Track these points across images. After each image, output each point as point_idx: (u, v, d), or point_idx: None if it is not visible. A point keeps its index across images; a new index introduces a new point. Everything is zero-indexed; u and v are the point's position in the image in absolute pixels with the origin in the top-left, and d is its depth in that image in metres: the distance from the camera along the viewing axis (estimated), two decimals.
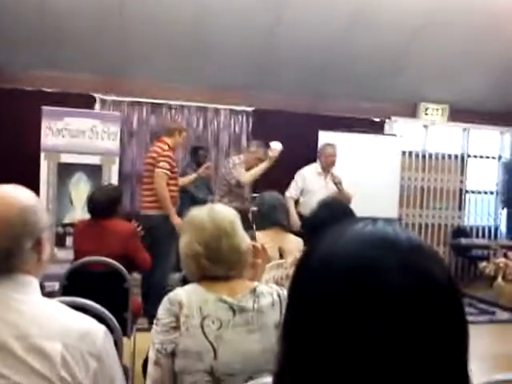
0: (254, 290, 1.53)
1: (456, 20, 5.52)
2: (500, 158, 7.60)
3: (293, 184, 5.22)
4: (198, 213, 1.61)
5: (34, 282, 1.13)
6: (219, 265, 1.52)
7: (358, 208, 6.67)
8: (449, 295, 0.56)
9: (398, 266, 0.53)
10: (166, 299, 1.47)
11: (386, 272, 0.53)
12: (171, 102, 6.13)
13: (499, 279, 5.29)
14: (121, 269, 2.60)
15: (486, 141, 7.60)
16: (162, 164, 4.21)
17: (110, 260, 2.60)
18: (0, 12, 5.01)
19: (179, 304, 1.43)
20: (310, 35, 5.62)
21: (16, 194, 1.15)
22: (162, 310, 1.45)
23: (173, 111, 6.15)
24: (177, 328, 1.41)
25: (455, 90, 6.80)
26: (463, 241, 6.64)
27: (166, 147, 4.33)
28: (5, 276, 1.09)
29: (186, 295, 1.46)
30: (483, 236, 7.23)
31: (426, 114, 7.09)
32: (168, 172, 4.23)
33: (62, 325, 1.08)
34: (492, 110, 7.18)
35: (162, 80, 6.07)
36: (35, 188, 5.07)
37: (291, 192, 5.15)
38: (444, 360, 0.54)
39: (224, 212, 1.62)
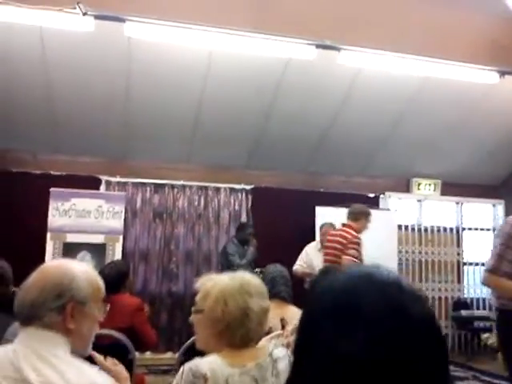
0: (271, 355, 1.61)
1: (440, 98, 5.91)
2: (494, 229, 7.75)
3: (299, 257, 5.55)
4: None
5: (61, 342, 1.26)
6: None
7: None
8: (421, 326, 0.66)
9: (374, 294, 0.66)
10: (187, 371, 1.46)
11: (363, 298, 0.66)
12: (173, 182, 6.39)
13: None
14: (126, 341, 2.66)
15: (480, 213, 7.80)
16: (351, 252, 4.13)
17: (115, 332, 2.67)
18: (8, 100, 5.36)
19: (204, 378, 1.44)
20: (302, 115, 5.98)
21: (71, 263, 1.37)
22: (185, 383, 1.45)
23: (175, 190, 6.40)
24: None
25: (445, 165, 7.12)
26: (464, 313, 6.62)
27: (355, 233, 4.25)
28: (34, 329, 1.25)
29: (209, 368, 1.47)
30: (484, 308, 7.20)
31: (419, 189, 7.35)
32: (356, 260, 4.15)
33: (88, 378, 1.20)
34: (482, 183, 7.45)
35: (165, 161, 6.39)
36: None
37: (297, 263, 5.46)
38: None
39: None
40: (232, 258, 5.55)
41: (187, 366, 1.48)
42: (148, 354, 5.43)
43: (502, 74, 5.20)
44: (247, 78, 5.40)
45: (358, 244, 4.22)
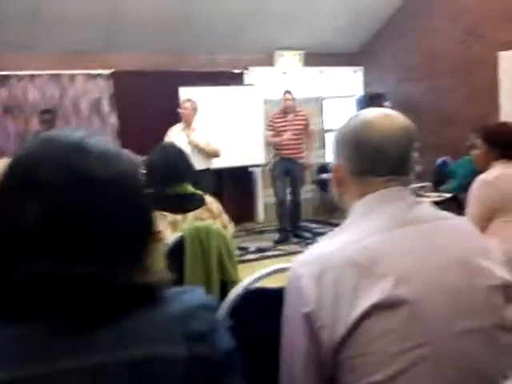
0: None
1: None
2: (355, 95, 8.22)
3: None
4: None
5: None
6: None
7: (229, 158, 7.02)
8: (105, 188, 0.66)
9: (51, 161, 0.66)
10: None
11: (40, 166, 0.65)
12: (20, 73, 5.83)
13: None
14: None
15: (343, 82, 8.18)
16: None
17: None
18: None
19: None
20: None
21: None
22: None
23: (23, 81, 5.87)
24: None
25: (308, 35, 7.20)
26: (325, 176, 7.21)
27: None
28: None
29: None
30: None
31: (283, 62, 7.42)
32: None
33: None
34: (343, 51, 7.72)
35: (6, 49, 5.73)
36: None
37: None
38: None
39: None
40: None
41: None
42: None
43: None
44: None
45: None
